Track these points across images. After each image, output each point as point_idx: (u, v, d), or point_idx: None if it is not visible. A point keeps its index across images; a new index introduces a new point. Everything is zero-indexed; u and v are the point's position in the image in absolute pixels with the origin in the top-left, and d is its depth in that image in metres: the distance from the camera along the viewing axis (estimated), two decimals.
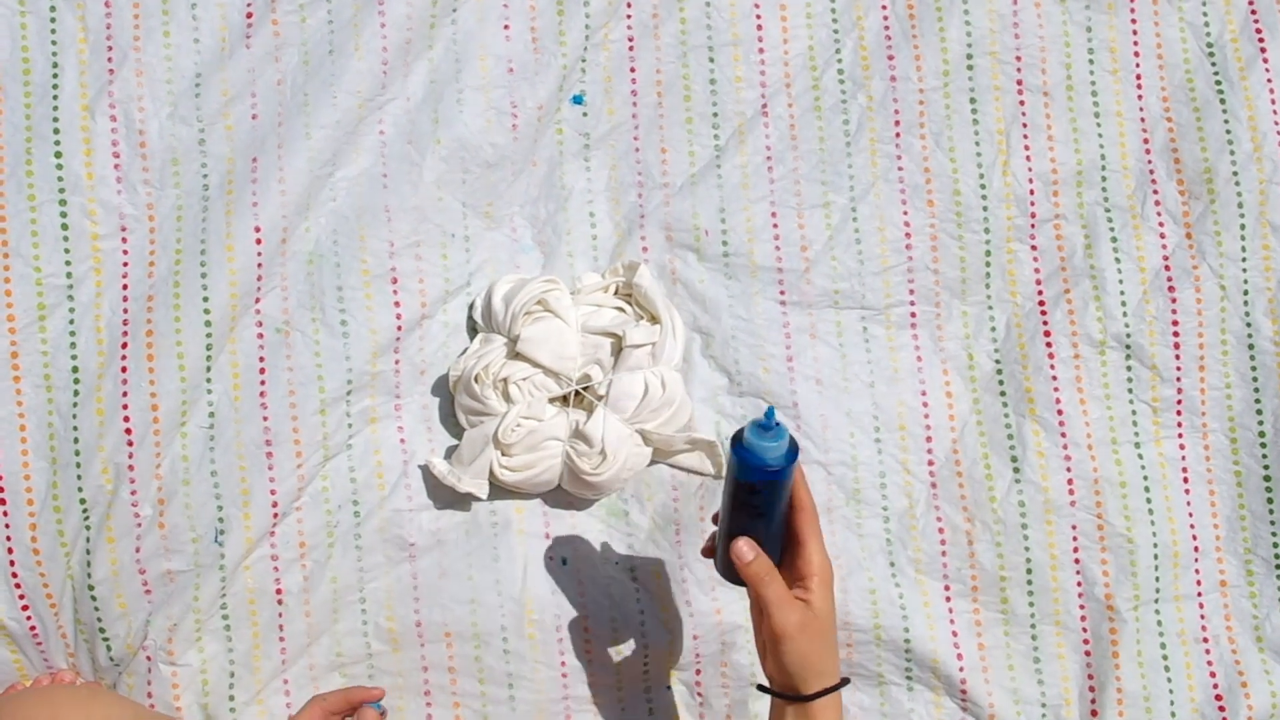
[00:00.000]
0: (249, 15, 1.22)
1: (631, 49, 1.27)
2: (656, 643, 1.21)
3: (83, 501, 1.15)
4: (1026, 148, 1.28)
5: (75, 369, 1.16)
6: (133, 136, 1.19)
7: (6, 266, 1.15)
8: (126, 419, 1.15)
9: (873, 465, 1.24)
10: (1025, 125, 1.28)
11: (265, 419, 1.17)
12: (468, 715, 1.19)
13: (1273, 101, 1.29)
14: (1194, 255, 1.27)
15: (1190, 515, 1.26)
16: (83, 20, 1.19)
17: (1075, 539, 1.24)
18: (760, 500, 0.93)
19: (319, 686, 1.19)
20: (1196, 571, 1.26)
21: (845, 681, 0.97)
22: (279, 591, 1.17)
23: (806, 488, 0.96)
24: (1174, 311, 1.26)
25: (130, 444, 1.15)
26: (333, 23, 1.22)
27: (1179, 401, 1.27)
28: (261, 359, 1.18)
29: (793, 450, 0.90)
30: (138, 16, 1.20)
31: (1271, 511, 1.25)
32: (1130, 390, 1.26)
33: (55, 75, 1.18)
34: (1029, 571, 1.23)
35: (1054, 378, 1.25)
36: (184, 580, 1.15)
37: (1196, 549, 1.26)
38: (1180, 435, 1.27)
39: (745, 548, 0.95)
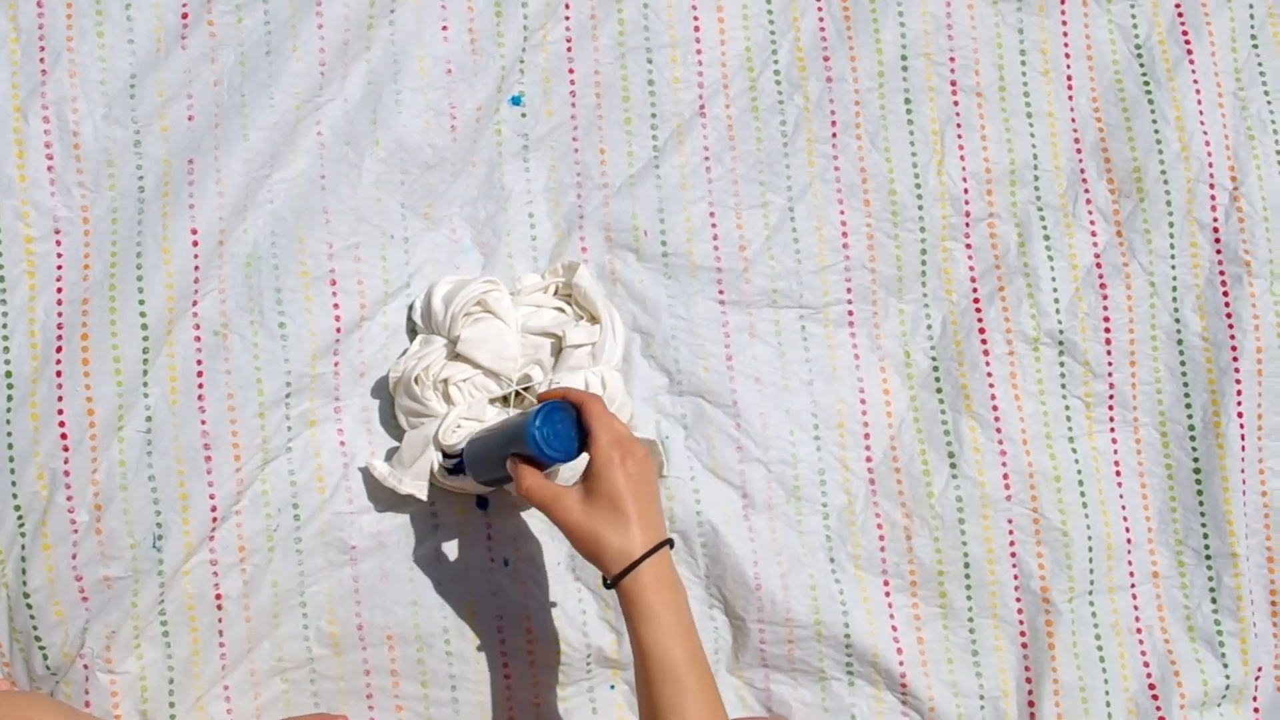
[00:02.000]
0: (184, 16, 1.21)
1: (570, 50, 1.27)
2: (599, 642, 1.21)
3: (17, 508, 1.14)
4: (961, 147, 1.30)
5: (9, 374, 1.14)
6: (66, 138, 1.17)
7: None
8: (62, 424, 1.14)
9: (812, 463, 1.25)
10: (959, 125, 1.30)
11: (203, 423, 1.16)
12: (410, 718, 1.19)
13: (1199, 102, 1.31)
14: (1124, 253, 1.30)
15: (1123, 508, 1.28)
16: (14, 20, 1.18)
17: (1011, 533, 1.26)
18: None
19: (260, 692, 1.18)
20: (1129, 563, 1.28)
21: (650, 553, 0.97)
22: (218, 597, 1.16)
23: (577, 390, 1.06)
24: (1105, 308, 1.29)
25: (66, 449, 1.14)
26: (269, 23, 1.22)
27: (1111, 396, 1.29)
28: (199, 362, 1.17)
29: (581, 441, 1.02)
30: (70, 16, 1.19)
31: (1201, 504, 1.28)
32: (1064, 386, 1.28)
33: None
34: (966, 566, 1.25)
35: (989, 374, 1.27)
36: (121, 587, 1.14)
37: (1129, 541, 1.28)
38: (1112, 429, 1.29)
39: (523, 471, 1.02)
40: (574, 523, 0.99)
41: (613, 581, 0.97)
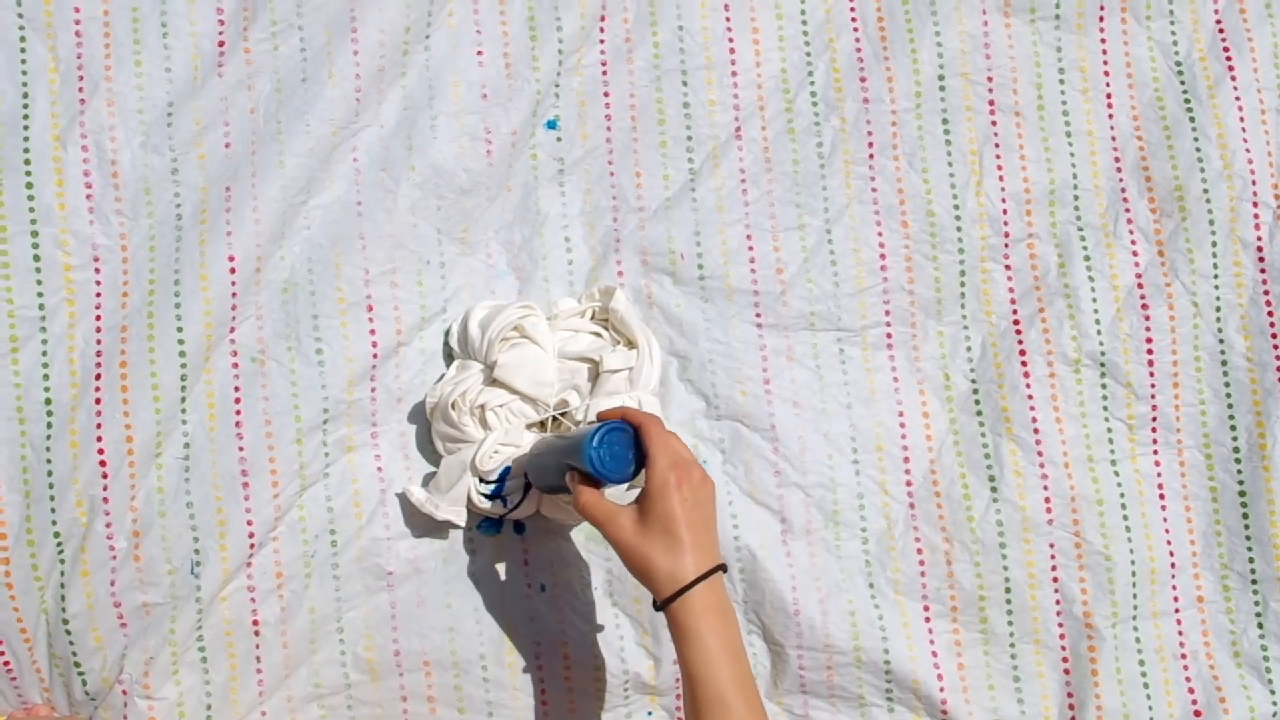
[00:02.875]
0: (221, 44, 1.22)
1: (605, 74, 1.27)
2: (637, 668, 1.20)
3: (57, 535, 1.14)
4: (999, 168, 1.29)
5: (48, 401, 1.15)
6: (105, 166, 1.18)
7: None
8: (101, 451, 1.14)
9: (851, 487, 1.24)
10: (998, 145, 1.29)
11: (241, 449, 1.17)
12: None
13: (1241, 119, 1.30)
14: (1166, 273, 1.28)
15: (1167, 532, 1.27)
16: (53, 50, 1.18)
17: (1053, 557, 1.24)
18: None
19: (298, 718, 1.18)
20: (1174, 588, 1.26)
21: (700, 579, 0.96)
22: (256, 623, 1.17)
23: (637, 410, 1.05)
24: (1148, 329, 1.27)
25: (105, 476, 1.14)
26: (305, 50, 1.22)
27: (1154, 418, 1.27)
28: (237, 389, 1.17)
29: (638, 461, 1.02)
30: (109, 46, 1.19)
31: (1247, 527, 1.26)
32: (1105, 408, 1.27)
33: (26, 105, 1.17)
34: (1008, 590, 1.24)
35: (1030, 396, 1.26)
36: (160, 613, 1.15)
37: (1173, 565, 1.26)
38: (1155, 452, 1.27)
39: (580, 487, 1.02)
40: (627, 543, 0.98)
41: (662, 605, 0.97)
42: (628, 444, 1.02)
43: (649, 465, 0.99)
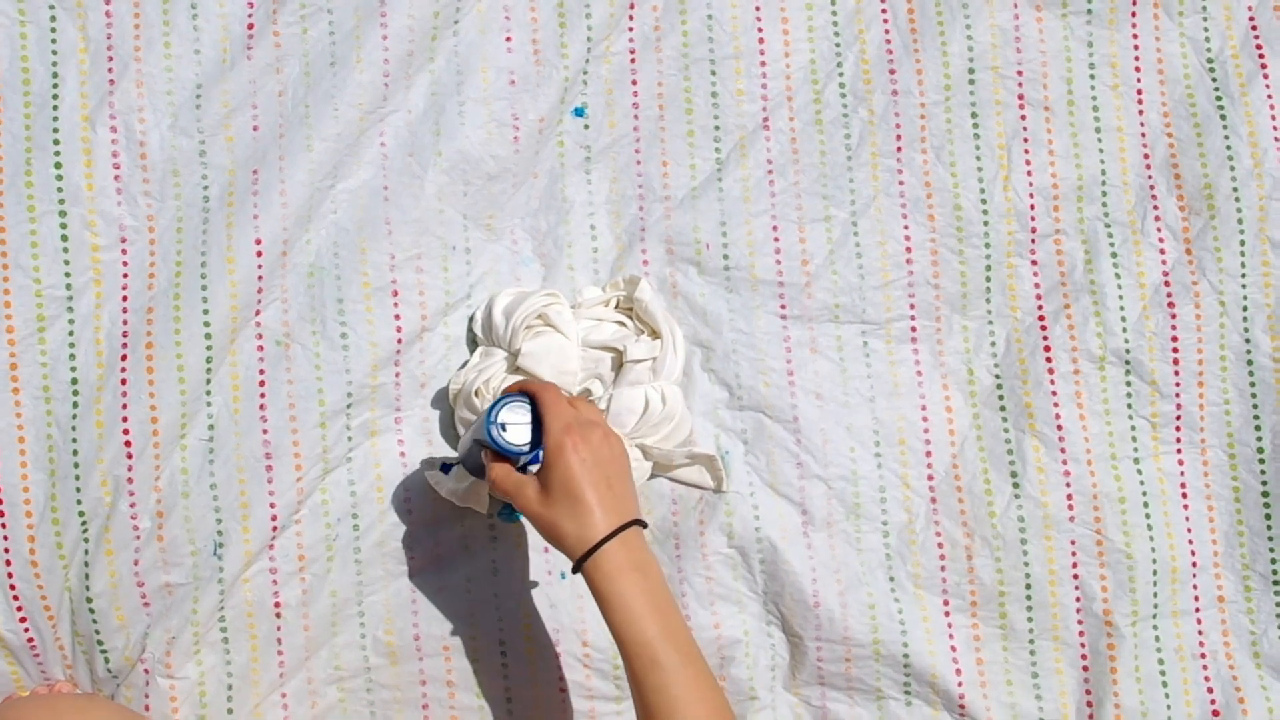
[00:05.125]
0: (250, 26, 1.22)
1: (633, 62, 1.27)
2: None
3: (81, 514, 1.15)
4: (1027, 162, 1.28)
5: (74, 381, 1.15)
6: (133, 147, 1.18)
7: (6, 278, 1.14)
8: (126, 431, 1.15)
9: (872, 480, 1.24)
10: (1026, 140, 1.29)
11: (265, 432, 1.17)
12: None
13: (1273, 117, 1.29)
14: (1194, 271, 1.27)
15: (1189, 531, 1.26)
16: (83, 30, 1.19)
17: (1074, 554, 1.24)
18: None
19: (316, 701, 1.19)
20: (1194, 587, 1.26)
21: (609, 538, 0.95)
22: (277, 605, 1.17)
23: (533, 380, 1.07)
24: (1173, 327, 1.26)
25: (129, 456, 1.15)
26: (334, 34, 1.22)
27: (1178, 417, 1.27)
28: (261, 371, 1.18)
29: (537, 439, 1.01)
30: (138, 27, 1.20)
31: (1269, 528, 1.26)
32: (1129, 406, 1.26)
33: (55, 86, 1.17)
34: (1028, 587, 1.24)
35: (1054, 393, 1.25)
36: (182, 593, 1.15)
37: (1194, 565, 1.26)
38: (1179, 451, 1.27)
39: (493, 465, 1.02)
40: (535, 512, 0.98)
41: (575, 568, 0.96)
42: (527, 416, 1.02)
43: (545, 433, 0.98)
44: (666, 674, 0.92)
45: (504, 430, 1.01)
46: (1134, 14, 1.31)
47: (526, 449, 1.01)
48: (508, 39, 1.24)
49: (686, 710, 0.91)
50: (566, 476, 0.96)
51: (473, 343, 1.24)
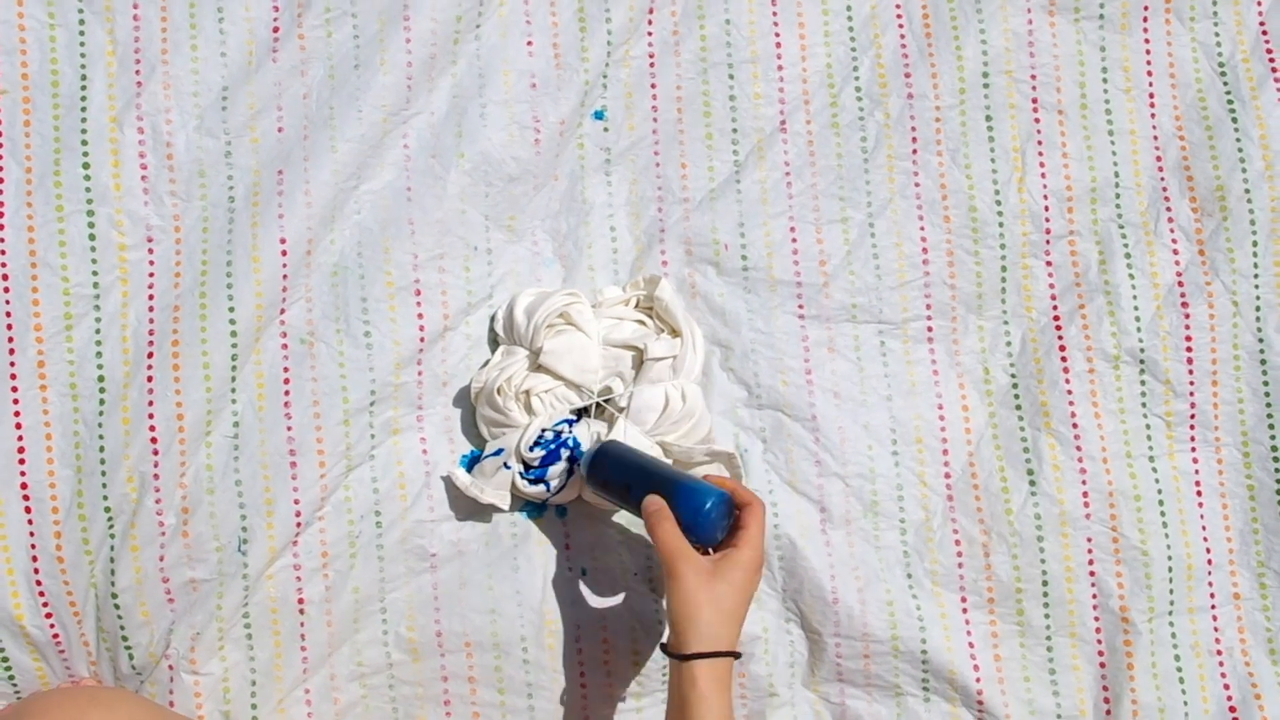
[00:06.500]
0: (275, 29, 1.23)
1: (652, 65, 1.28)
2: None
3: (107, 510, 1.16)
4: (1042, 165, 1.30)
5: (101, 378, 1.16)
6: (160, 148, 1.20)
7: (34, 276, 1.16)
8: (152, 428, 1.16)
9: (890, 478, 1.25)
10: (1040, 143, 1.30)
11: (289, 429, 1.18)
12: None
13: None
14: (1207, 271, 1.29)
15: (1204, 528, 1.27)
16: (111, 33, 1.20)
17: (1090, 551, 1.25)
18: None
19: (339, 697, 1.19)
20: (1210, 584, 1.26)
21: (735, 654, 1.01)
22: (301, 601, 1.18)
23: (746, 489, 1.09)
24: (1187, 327, 1.28)
25: (155, 453, 1.16)
26: (358, 37, 1.24)
27: (1192, 416, 1.28)
28: (286, 369, 1.19)
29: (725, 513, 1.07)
30: (165, 30, 1.21)
31: None
32: (1144, 404, 1.28)
33: (84, 87, 1.19)
34: (1045, 584, 1.24)
35: (1069, 392, 1.26)
36: (207, 589, 1.16)
37: (1210, 562, 1.27)
38: (1194, 449, 1.28)
39: (662, 518, 1.05)
40: (689, 587, 1.01)
41: (686, 656, 1.00)
42: (725, 514, 1.07)
43: (747, 542, 1.04)
44: None
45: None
46: (1146, 19, 1.32)
47: (707, 543, 1.06)
48: (529, 43, 1.26)
49: None
50: (744, 585, 1.03)
51: (494, 342, 1.25)
